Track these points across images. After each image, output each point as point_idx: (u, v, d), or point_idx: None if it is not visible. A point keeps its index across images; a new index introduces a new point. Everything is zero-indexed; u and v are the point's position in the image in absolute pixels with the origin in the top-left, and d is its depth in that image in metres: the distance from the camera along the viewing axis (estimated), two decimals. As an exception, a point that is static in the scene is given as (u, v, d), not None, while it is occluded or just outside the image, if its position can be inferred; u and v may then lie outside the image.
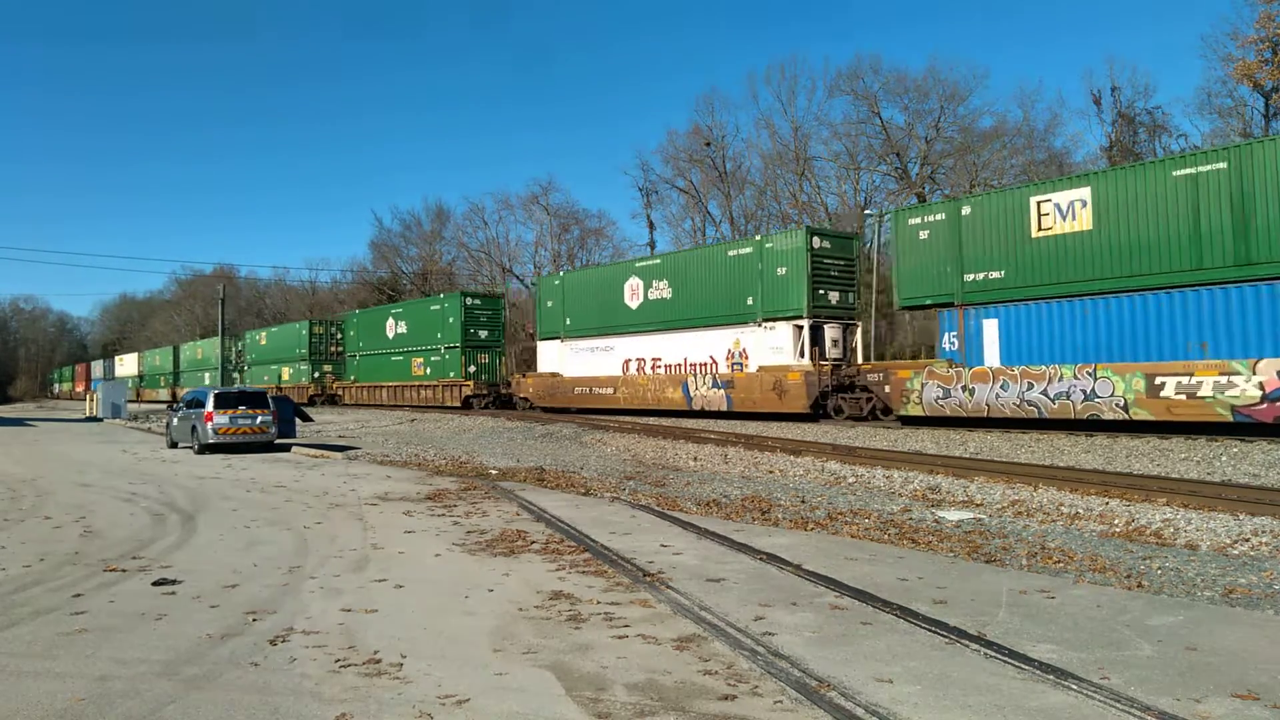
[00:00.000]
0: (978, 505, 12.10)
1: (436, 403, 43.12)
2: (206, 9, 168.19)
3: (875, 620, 6.06)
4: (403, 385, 46.49)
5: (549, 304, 38.05)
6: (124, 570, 8.09)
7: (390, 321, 48.92)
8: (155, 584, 7.48)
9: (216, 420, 21.67)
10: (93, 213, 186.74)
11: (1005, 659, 5.16)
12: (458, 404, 41.44)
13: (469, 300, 43.76)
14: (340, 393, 53.40)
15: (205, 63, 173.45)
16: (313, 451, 21.79)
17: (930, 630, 5.77)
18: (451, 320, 43.19)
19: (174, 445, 24.32)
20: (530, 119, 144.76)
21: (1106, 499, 11.89)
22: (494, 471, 16.82)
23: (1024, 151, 47.73)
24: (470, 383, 41.78)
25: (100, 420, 46.48)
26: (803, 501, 12.75)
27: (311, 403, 52.01)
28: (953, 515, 11.25)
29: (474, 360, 42.69)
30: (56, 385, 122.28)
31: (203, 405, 22.12)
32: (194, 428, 22.33)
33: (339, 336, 56.23)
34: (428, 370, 44.85)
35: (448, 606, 6.63)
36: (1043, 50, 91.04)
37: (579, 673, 5.04)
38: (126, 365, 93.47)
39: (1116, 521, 10.53)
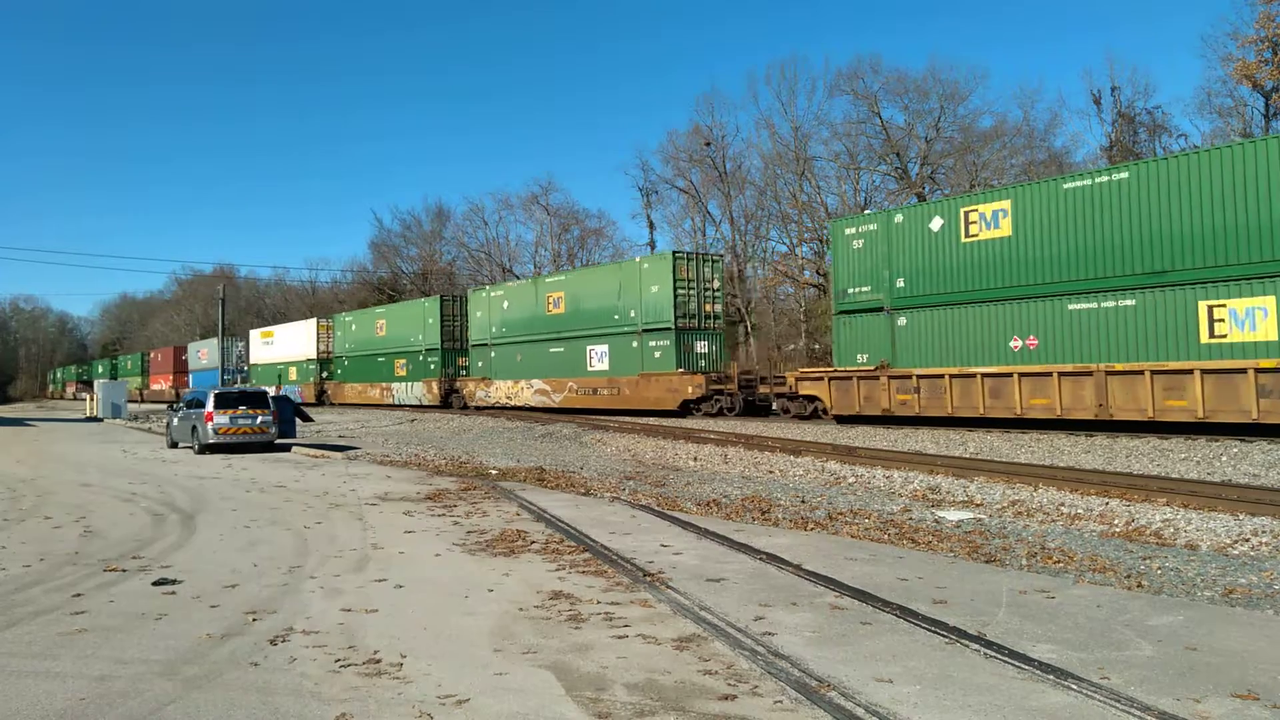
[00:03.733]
0: (978, 505, 12.09)
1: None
2: (206, 6, 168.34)
3: (875, 620, 6.06)
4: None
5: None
6: (124, 570, 8.09)
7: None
8: (155, 584, 7.48)
9: (216, 420, 21.67)
10: (91, 211, 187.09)
11: (1005, 659, 5.16)
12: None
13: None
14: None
15: (203, 60, 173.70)
16: (313, 451, 21.79)
17: (930, 630, 5.77)
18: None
19: (174, 445, 24.33)
20: (530, 118, 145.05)
21: (1106, 499, 11.88)
22: (494, 471, 16.82)
23: (1024, 151, 47.70)
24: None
25: (100, 420, 46.47)
26: (803, 501, 12.74)
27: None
28: (953, 515, 11.24)
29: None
30: None
31: (203, 405, 22.13)
32: (194, 428, 22.34)
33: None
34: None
35: (448, 606, 6.63)
36: (1043, 50, 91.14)
37: (579, 673, 5.04)
38: (280, 345, 59.20)
39: (1116, 521, 10.53)
